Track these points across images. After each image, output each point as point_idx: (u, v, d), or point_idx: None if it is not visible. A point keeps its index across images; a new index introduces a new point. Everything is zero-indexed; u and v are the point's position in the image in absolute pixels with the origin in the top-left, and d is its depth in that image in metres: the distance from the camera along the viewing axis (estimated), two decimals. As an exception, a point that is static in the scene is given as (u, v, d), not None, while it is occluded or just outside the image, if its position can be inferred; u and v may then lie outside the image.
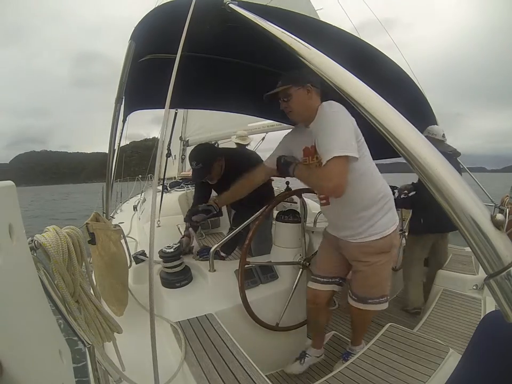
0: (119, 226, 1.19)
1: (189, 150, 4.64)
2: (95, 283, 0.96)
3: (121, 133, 1.95)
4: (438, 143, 2.08)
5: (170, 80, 0.60)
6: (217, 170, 1.71)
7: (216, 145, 2.45)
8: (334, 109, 1.10)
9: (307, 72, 1.16)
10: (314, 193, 1.97)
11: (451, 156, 2.17)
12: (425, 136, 2.08)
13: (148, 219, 2.13)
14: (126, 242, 1.24)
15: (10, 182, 0.43)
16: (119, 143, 1.92)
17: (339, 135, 1.04)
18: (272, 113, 2.31)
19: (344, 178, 1.02)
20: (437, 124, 2.12)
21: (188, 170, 4.25)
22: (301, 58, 0.57)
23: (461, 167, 2.28)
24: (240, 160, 1.82)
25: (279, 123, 3.08)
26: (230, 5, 0.85)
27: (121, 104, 1.27)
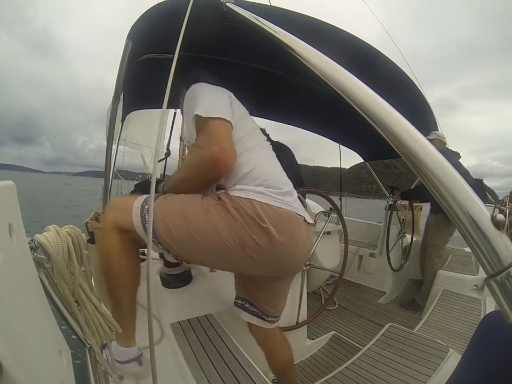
0: None
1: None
2: (93, 283, 0.96)
3: (120, 133, 1.95)
4: (444, 145, 2.26)
5: (168, 80, 0.60)
6: None
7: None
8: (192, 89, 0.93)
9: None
10: (317, 194, 1.97)
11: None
12: (434, 139, 2.22)
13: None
14: None
15: (10, 182, 0.43)
16: (118, 142, 1.92)
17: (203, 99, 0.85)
18: (272, 113, 2.31)
19: (228, 141, 0.80)
20: (437, 125, 2.15)
21: None
22: (299, 57, 0.56)
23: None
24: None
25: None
26: (227, 3, 0.85)
27: (118, 103, 1.27)
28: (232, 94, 1.00)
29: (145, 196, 0.86)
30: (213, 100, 0.87)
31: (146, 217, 0.80)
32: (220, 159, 0.77)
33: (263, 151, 0.94)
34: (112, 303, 0.86)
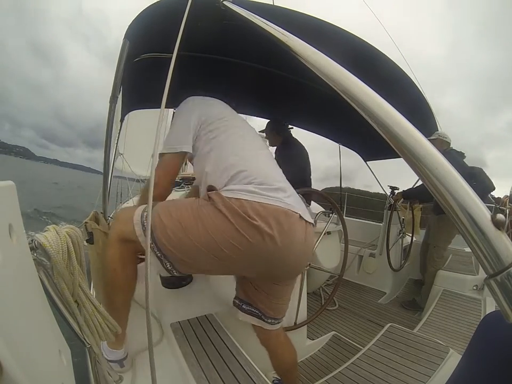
0: None
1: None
2: (92, 284, 0.97)
3: (119, 133, 1.94)
4: (447, 146, 2.26)
5: (167, 80, 0.60)
6: (271, 140, 2.28)
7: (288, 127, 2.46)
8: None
9: None
10: (318, 194, 1.97)
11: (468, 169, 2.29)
12: (436, 139, 2.22)
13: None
14: None
15: (10, 182, 0.43)
16: (117, 143, 1.92)
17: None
18: (271, 112, 2.31)
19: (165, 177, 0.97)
20: (437, 124, 2.15)
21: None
22: (297, 56, 0.56)
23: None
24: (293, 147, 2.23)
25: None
26: (225, 2, 0.84)
27: (116, 103, 1.26)
28: (212, 100, 1.10)
29: (145, 205, 0.90)
30: (173, 132, 1.00)
31: (145, 216, 0.84)
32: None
33: (253, 151, 0.97)
34: (108, 307, 0.87)
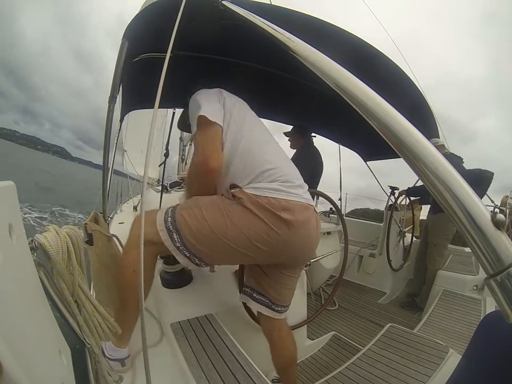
0: (116, 237, 1.19)
1: (188, 150, 4.63)
2: (91, 284, 0.97)
3: (119, 132, 1.94)
4: (442, 149, 2.29)
5: (160, 79, 0.60)
6: (294, 142, 2.42)
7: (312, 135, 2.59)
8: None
9: None
10: (318, 194, 1.98)
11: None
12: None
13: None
14: (122, 247, 1.23)
15: (10, 182, 0.42)
16: (116, 142, 1.92)
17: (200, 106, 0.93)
18: (271, 113, 2.30)
19: (211, 147, 0.88)
20: (437, 125, 2.17)
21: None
22: (296, 56, 0.56)
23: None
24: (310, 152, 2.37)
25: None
26: (223, 2, 0.84)
27: (115, 103, 1.26)
28: (234, 97, 1.10)
29: (167, 207, 0.93)
30: (207, 103, 0.95)
31: (169, 220, 0.86)
32: (204, 168, 0.88)
33: (273, 147, 1.02)
34: (118, 307, 0.90)
